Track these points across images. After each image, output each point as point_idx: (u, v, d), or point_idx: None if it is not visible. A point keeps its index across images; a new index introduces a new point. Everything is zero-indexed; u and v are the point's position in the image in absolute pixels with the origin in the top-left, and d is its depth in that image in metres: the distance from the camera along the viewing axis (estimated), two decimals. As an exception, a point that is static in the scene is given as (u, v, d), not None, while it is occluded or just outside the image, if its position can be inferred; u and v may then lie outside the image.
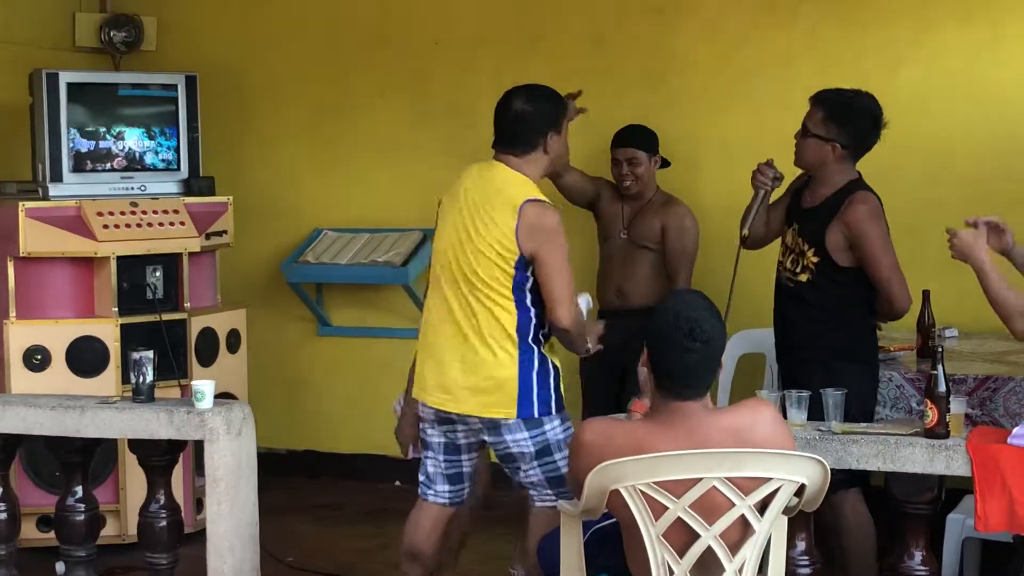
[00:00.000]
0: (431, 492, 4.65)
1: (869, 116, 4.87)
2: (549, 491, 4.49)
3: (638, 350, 3.80)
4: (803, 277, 4.88)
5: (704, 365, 3.58)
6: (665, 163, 6.14)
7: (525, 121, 4.52)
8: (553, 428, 4.44)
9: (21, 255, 5.86)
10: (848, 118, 4.83)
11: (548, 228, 4.37)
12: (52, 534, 5.15)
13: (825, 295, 4.85)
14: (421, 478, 4.68)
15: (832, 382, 4.39)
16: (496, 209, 4.41)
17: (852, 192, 4.85)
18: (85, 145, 6.15)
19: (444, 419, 4.53)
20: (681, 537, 3.52)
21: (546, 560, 4.10)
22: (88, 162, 6.15)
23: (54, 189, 6.04)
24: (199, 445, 4.75)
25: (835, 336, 4.83)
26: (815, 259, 4.84)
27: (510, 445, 4.44)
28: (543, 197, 4.46)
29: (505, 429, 4.42)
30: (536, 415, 4.41)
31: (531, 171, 4.53)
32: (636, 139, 6.04)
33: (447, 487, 4.63)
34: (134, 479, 5.64)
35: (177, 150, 6.34)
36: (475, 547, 5.51)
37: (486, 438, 4.51)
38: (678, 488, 3.47)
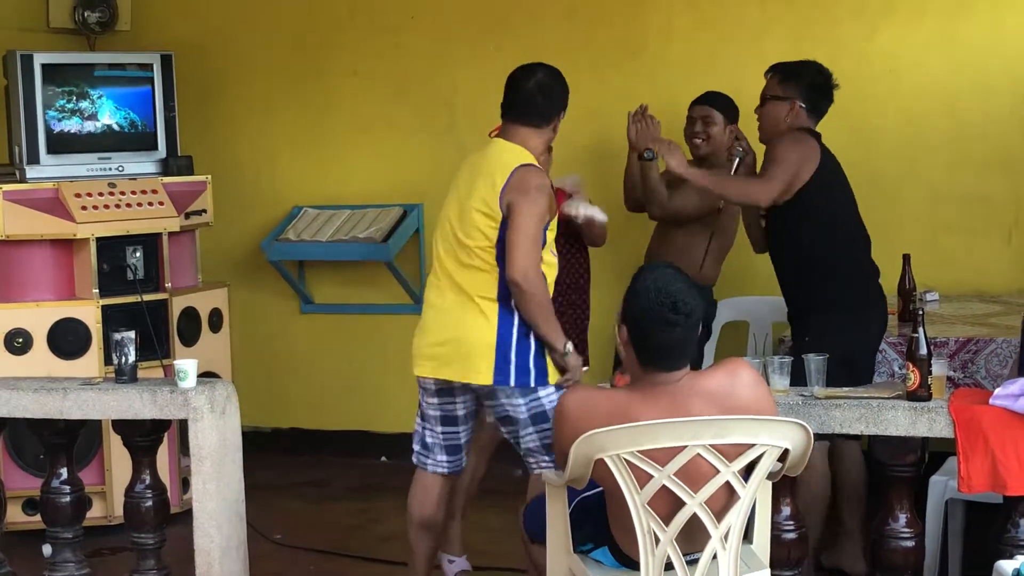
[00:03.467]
0: (430, 462, 4.70)
1: (820, 74, 5.13)
2: (546, 457, 4.52)
3: None
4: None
5: (687, 338, 3.59)
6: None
7: (547, 95, 4.64)
8: (548, 396, 4.49)
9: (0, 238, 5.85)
10: (802, 75, 5.10)
11: (528, 186, 4.44)
12: (38, 517, 5.14)
13: (780, 244, 5.13)
14: (417, 447, 4.73)
15: (808, 336, 4.68)
16: (491, 175, 4.49)
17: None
18: (61, 126, 6.12)
19: (443, 390, 4.60)
20: (666, 505, 3.53)
21: (531, 526, 4.11)
22: (65, 143, 6.12)
23: (31, 171, 6.01)
24: (184, 425, 4.74)
25: (804, 289, 5.05)
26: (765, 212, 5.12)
27: (507, 408, 4.51)
28: (538, 165, 4.57)
29: (501, 393, 4.48)
30: (532, 384, 4.46)
31: (536, 144, 4.62)
32: (713, 99, 5.85)
33: (445, 457, 4.70)
34: (119, 460, 5.64)
35: (154, 130, 6.32)
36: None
37: (486, 402, 4.58)
38: (663, 456, 3.48)
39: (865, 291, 5.08)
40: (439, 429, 4.67)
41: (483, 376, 4.46)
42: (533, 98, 4.62)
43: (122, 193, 6.06)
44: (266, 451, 6.95)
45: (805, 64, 5.17)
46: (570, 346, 4.50)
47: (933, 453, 4.24)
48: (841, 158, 6.36)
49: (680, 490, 3.51)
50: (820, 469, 4.90)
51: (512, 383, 4.45)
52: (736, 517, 3.57)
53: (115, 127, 6.26)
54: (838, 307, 4.95)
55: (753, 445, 3.53)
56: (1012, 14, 6.25)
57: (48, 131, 6.06)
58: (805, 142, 5.00)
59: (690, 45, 6.60)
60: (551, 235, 4.56)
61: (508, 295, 4.46)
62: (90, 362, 5.84)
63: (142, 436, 4.78)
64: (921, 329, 4.03)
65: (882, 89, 6.42)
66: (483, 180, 4.50)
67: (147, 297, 6.00)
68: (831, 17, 6.44)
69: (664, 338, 3.56)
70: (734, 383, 3.63)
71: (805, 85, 5.08)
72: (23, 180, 5.98)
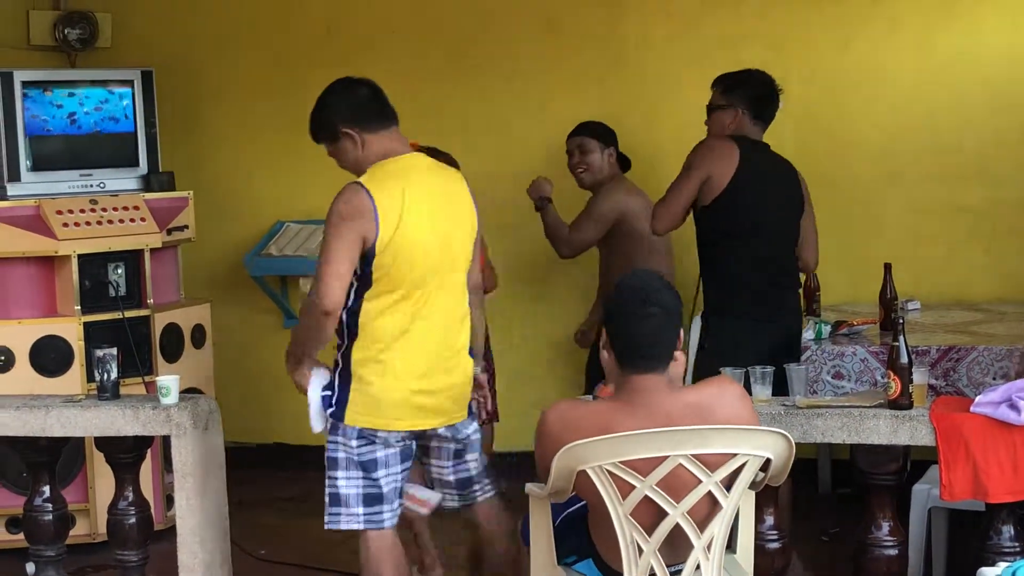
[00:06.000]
0: (389, 513, 4.29)
1: (762, 83, 5.24)
2: (487, 479, 4.46)
3: None
4: None
5: (662, 331, 3.59)
6: (624, 161, 6.12)
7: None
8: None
9: (-19, 256, 5.83)
10: (743, 84, 5.21)
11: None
12: (21, 535, 5.13)
13: (698, 243, 5.27)
14: (371, 509, 4.27)
15: (707, 339, 4.83)
16: (468, 199, 4.38)
17: None
18: (42, 143, 6.11)
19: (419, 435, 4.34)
20: (649, 515, 3.53)
21: (527, 537, 4.09)
22: (46, 160, 6.11)
23: (12, 188, 6.00)
24: (167, 442, 4.74)
25: (707, 291, 5.19)
26: None
27: (470, 434, 4.40)
28: None
29: (461, 424, 4.38)
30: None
31: None
32: (587, 127, 6.06)
33: (397, 502, 4.34)
34: (103, 478, 5.63)
35: (135, 146, 6.32)
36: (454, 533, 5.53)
37: (445, 433, 4.36)
38: (644, 466, 3.49)
39: (764, 299, 5.12)
40: (399, 469, 4.29)
41: (464, 412, 4.37)
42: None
43: (104, 210, 6.06)
44: (250, 467, 6.93)
45: (747, 74, 5.25)
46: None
47: (915, 461, 4.25)
48: (820, 169, 6.44)
49: (662, 500, 3.51)
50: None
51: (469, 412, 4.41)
52: (719, 527, 3.58)
53: (96, 144, 6.25)
54: (735, 311, 5.07)
55: (735, 455, 3.54)
56: (987, 24, 6.30)
57: (29, 148, 6.05)
58: (714, 148, 5.10)
59: (668, 58, 6.63)
60: None
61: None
62: (72, 379, 5.82)
63: (125, 453, 4.77)
64: (902, 338, 4.05)
65: (859, 100, 6.46)
66: (467, 205, 4.36)
67: (129, 314, 5.99)
68: (807, 28, 6.48)
69: (637, 330, 3.58)
70: (719, 398, 3.63)
71: (747, 94, 5.18)
72: (4, 198, 5.96)
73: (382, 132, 4.31)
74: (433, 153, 5.33)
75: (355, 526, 4.28)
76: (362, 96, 4.37)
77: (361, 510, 4.26)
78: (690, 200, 5.09)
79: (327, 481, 4.29)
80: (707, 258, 5.20)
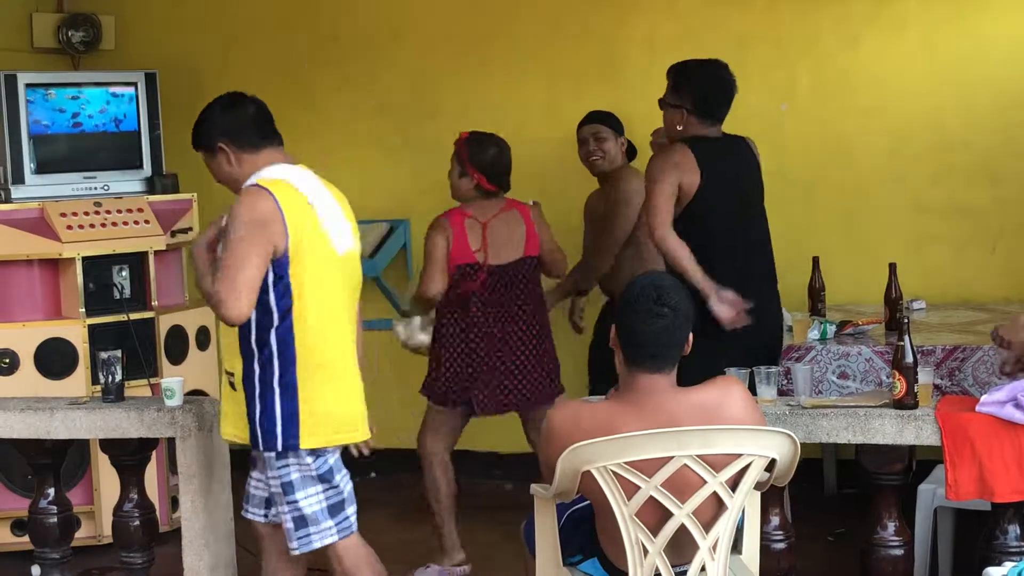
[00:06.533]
0: (353, 515, 4.30)
1: (712, 79, 4.97)
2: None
3: None
4: None
5: (672, 333, 3.57)
6: (631, 150, 6.11)
7: None
8: None
9: (-15, 258, 5.83)
10: (689, 81, 4.95)
11: None
12: (27, 538, 5.13)
13: None
14: (338, 518, 4.21)
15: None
16: (351, 213, 4.34)
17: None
18: (46, 146, 6.11)
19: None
20: (654, 516, 3.53)
21: (529, 540, 4.09)
22: (50, 163, 6.12)
23: (16, 191, 6.01)
24: (172, 443, 4.74)
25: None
26: None
27: None
28: None
29: None
30: None
31: None
32: (599, 116, 6.02)
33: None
34: (108, 480, 5.62)
35: (139, 148, 6.32)
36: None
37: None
38: (649, 467, 3.48)
39: (745, 327, 4.79)
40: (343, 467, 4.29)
41: None
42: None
43: (108, 212, 6.06)
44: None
45: (699, 68, 5.02)
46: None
47: (921, 461, 4.25)
48: (826, 168, 6.44)
49: (667, 501, 3.50)
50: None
51: None
52: (724, 527, 3.57)
53: (100, 146, 6.26)
54: (714, 337, 4.66)
55: (740, 455, 3.53)
56: (993, 23, 6.28)
57: (33, 151, 6.06)
58: (670, 157, 4.88)
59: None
60: None
61: None
62: (77, 381, 5.82)
63: (129, 455, 4.77)
64: (907, 337, 4.04)
65: (865, 99, 6.45)
66: (353, 221, 4.31)
67: (134, 316, 5.99)
68: (814, 27, 6.47)
69: (647, 329, 3.55)
70: (724, 398, 3.61)
71: (694, 93, 4.94)
72: (8, 200, 5.97)
73: (262, 152, 4.24)
74: (483, 138, 5.37)
75: (329, 540, 4.20)
76: (247, 114, 4.31)
77: (331, 523, 4.19)
78: (671, 204, 4.83)
79: (286, 507, 4.15)
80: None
